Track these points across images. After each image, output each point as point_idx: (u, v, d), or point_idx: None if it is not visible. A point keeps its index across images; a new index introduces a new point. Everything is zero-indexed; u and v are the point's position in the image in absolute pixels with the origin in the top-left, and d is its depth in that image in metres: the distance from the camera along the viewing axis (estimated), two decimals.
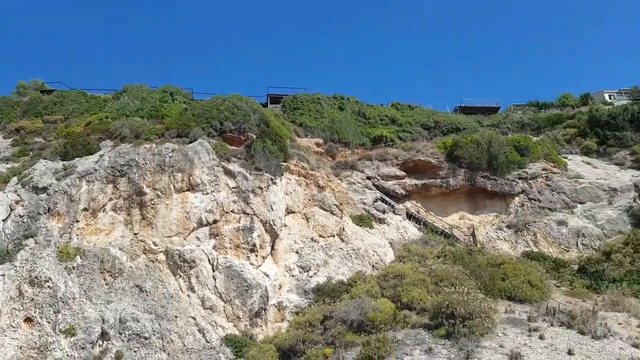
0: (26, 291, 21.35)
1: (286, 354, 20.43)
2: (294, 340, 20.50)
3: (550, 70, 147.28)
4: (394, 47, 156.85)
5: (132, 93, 37.97)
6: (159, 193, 26.36)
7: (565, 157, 42.35)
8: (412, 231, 34.08)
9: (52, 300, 21.14)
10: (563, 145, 45.25)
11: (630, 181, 37.36)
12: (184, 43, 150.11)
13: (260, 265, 25.50)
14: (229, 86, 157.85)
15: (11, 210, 25.08)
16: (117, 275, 23.40)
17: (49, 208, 25.28)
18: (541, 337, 18.06)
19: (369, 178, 38.29)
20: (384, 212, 34.91)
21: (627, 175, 38.79)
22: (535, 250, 33.18)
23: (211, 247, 25.20)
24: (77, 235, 24.83)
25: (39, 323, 20.56)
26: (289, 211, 29.35)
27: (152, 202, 26.06)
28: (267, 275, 25.02)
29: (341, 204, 31.94)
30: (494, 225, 36.74)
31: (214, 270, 24.38)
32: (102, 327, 20.93)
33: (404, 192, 38.22)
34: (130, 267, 23.90)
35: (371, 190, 37.15)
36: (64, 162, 28.53)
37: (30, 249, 23.14)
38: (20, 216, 24.88)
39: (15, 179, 27.16)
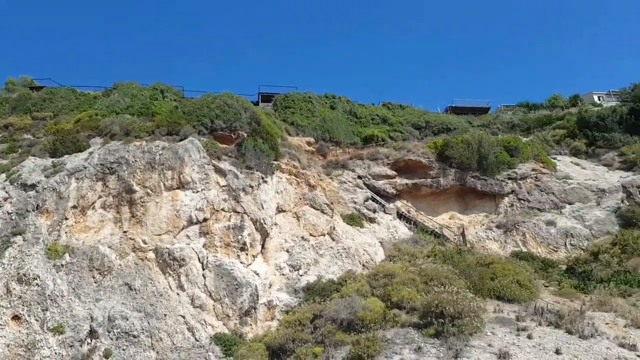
0: (14, 289, 21.18)
1: (276, 353, 20.43)
2: (283, 339, 20.51)
3: (540, 72, 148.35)
4: (385, 47, 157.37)
5: (122, 90, 37.70)
6: (149, 191, 26.23)
7: (555, 158, 42.65)
8: (403, 230, 34.18)
9: (41, 298, 20.99)
10: (552, 146, 45.58)
11: (619, 182, 37.69)
12: (175, 41, 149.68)
13: (250, 264, 25.46)
14: (220, 84, 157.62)
15: None
16: (106, 273, 23.27)
17: (37, 205, 25.08)
18: (529, 337, 18.21)
19: (359, 177, 38.34)
20: (374, 211, 34.97)
21: (615, 176, 39.13)
22: (524, 250, 33.42)
23: (201, 245, 25.12)
24: (66, 232, 24.67)
25: (27, 321, 20.41)
26: (279, 210, 29.33)
27: (142, 200, 25.94)
28: (257, 274, 24.98)
29: (332, 203, 31.96)
30: (483, 225, 36.94)
31: (203, 269, 24.31)
32: (90, 325, 20.82)
33: (394, 192, 38.32)
34: (120, 265, 23.78)
35: (362, 189, 37.22)
36: (53, 159, 28.31)
37: (19, 246, 22.96)
38: (9, 213, 24.67)
39: (3, 175, 26.95)
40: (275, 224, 28.33)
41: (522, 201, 37.68)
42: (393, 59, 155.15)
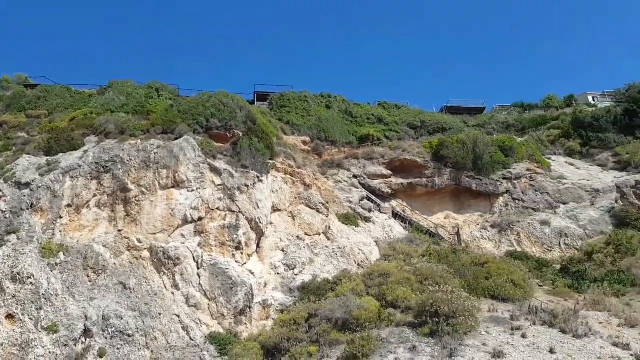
0: (8, 287, 21.07)
1: (271, 352, 20.44)
2: (278, 338, 20.52)
3: (535, 72, 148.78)
4: (381, 46, 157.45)
5: (117, 89, 37.56)
6: (144, 190, 26.18)
7: (549, 158, 42.80)
8: (398, 230, 34.22)
9: (35, 297, 20.88)
10: (547, 146, 45.76)
11: (613, 182, 37.86)
12: (171, 40, 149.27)
13: (245, 263, 25.44)
14: (215, 83, 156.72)
15: None
16: (100, 272, 23.20)
17: (32, 204, 24.98)
18: (523, 336, 18.28)
19: (355, 177, 38.36)
20: (370, 210, 35.00)
21: (610, 176, 39.30)
22: (519, 249, 33.51)
23: (196, 244, 25.08)
24: (60, 231, 24.58)
25: (21, 320, 20.31)
26: (275, 209, 29.31)
27: (137, 198, 25.88)
28: (253, 273, 24.97)
29: (327, 203, 31.97)
30: (478, 224, 37.02)
31: (198, 268, 24.27)
32: (85, 324, 20.73)
33: (390, 191, 38.35)
34: (114, 264, 23.71)
35: (357, 188, 37.23)
36: (48, 157, 28.20)
37: (13, 245, 22.85)
38: (3, 212, 24.56)
39: None
40: (271, 223, 28.31)
41: (516, 201, 37.79)
42: (389, 58, 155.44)
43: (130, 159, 27.15)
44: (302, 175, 32.48)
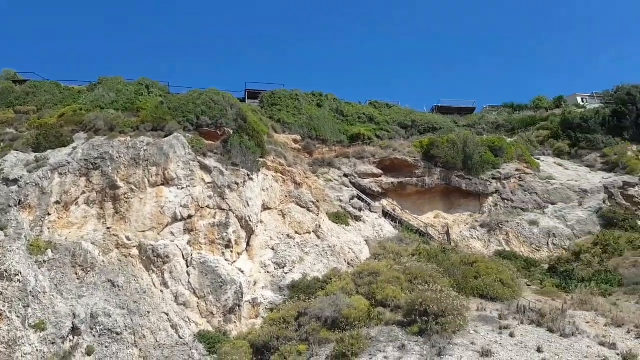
0: None
1: (260, 351, 20.42)
2: (268, 336, 20.50)
3: (525, 73, 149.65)
4: (373, 46, 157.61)
5: (107, 85, 37.27)
6: (133, 187, 26.03)
7: (538, 159, 43.12)
8: (388, 229, 34.30)
9: (22, 295, 20.66)
10: (536, 147, 46.09)
11: (600, 183, 38.20)
12: (162, 38, 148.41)
13: (235, 261, 25.39)
14: (206, 81, 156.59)
15: None
16: (89, 269, 23.02)
17: (19, 200, 24.74)
18: (511, 335, 18.37)
19: (346, 175, 38.42)
20: (360, 209, 35.04)
21: (598, 177, 39.65)
22: (508, 249, 33.74)
23: (185, 242, 24.98)
24: (48, 228, 24.36)
25: (8, 317, 20.09)
26: (265, 207, 29.27)
27: (126, 196, 25.72)
28: (242, 272, 24.93)
29: (318, 201, 31.97)
30: (467, 224, 37.20)
31: (188, 266, 24.18)
32: (73, 322, 20.56)
33: (380, 190, 38.43)
34: (103, 261, 23.55)
35: (348, 187, 37.27)
36: (36, 153, 27.91)
37: (0, 241, 22.61)
38: None
39: None
40: (261, 222, 28.27)
41: (505, 201, 38.03)
42: (380, 58, 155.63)
43: (120, 156, 26.98)
44: (293, 174, 32.46)
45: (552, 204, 37.28)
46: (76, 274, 22.78)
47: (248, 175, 28.57)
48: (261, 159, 30.85)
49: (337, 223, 31.74)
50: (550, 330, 18.88)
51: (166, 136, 28.73)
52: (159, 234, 25.06)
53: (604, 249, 29.42)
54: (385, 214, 36.43)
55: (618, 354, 16.99)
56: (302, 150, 40.04)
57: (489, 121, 51.82)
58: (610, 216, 34.40)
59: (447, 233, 35.80)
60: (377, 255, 28.61)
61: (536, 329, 19.12)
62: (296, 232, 28.69)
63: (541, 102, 58.06)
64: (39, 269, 22.01)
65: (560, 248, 33.35)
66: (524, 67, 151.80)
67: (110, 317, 21.15)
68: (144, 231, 24.93)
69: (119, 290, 22.60)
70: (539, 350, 17.12)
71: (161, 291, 23.34)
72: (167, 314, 22.32)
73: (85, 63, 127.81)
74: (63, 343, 20.00)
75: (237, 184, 27.68)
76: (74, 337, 20.39)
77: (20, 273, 21.15)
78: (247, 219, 26.81)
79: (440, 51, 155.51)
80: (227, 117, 31.36)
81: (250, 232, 27.04)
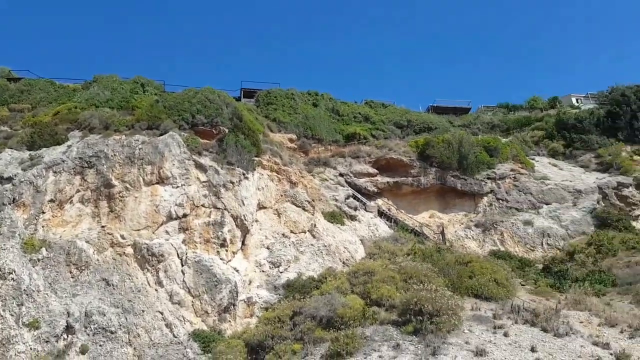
0: None
1: (255, 350, 20.38)
2: (262, 335, 20.47)
3: (520, 73, 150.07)
4: (369, 45, 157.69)
5: (102, 83, 37.15)
6: (128, 185, 25.96)
7: (533, 159, 43.26)
8: (383, 228, 34.34)
9: (16, 293, 20.57)
10: (531, 147, 46.25)
11: (595, 183, 38.37)
12: (158, 36, 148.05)
13: (230, 260, 25.35)
14: (202, 80, 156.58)
15: None
16: (83, 268, 22.96)
17: (14, 198, 24.63)
18: (505, 334, 18.44)
19: (341, 175, 38.41)
20: (355, 209, 35.06)
21: (592, 177, 39.82)
22: (502, 249, 33.84)
23: (180, 241, 24.94)
24: (42, 226, 24.28)
25: (2, 316, 19.98)
26: (260, 206, 29.25)
27: (121, 194, 25.66)
28: (237, 271, 24.90)
29: (313, 200, 31.97)
30: (462, 224, 37.29)
31: (182, 265, 24.14)
32: (67, 321, 20.50)
33: (375, 190, 38.46)
34: (97, 260, 23.49)
35: (343, 187, 37.28)
36: (31, 152, 27.81)
37: None
38: None
39: None
40: (256, 221, 28.25)
41: (500, 201, 38.13)
42: (376, 57, 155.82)
43: (115, 155, 26.91)
44: (288, 173, 32.44)
45: (547, 204, 37.41)
46: (70, 272, 22.71)
47: (243, 174, 28.54)
48: (256, 158, 30.83)
49: (332, 222, 31.75)
50: (544, 330, 18.96)
51: (161, 135, 28.68)
52: (153, 232, 25.00)
53: (597, 249, 29.56)
54: (381, 214, 36.46)
55: (611, 354, 17.07)
56: (297, 150, 40.01)
57: (484, 121, 51.99)
58: (604, 216, 34.56)
59: (442, 233, 35.88)
60: (372, 255, 28.64)
61: (530, 329, 19.20)
62: (291, 231, 28.68)
63: (536, 102, 58.29)
64: (33, 267, 21.94)
65: (555, 248, 33.48)
66: (521, 67, 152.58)
67: (105, 315, 21.10)
68: (138, 230, 24.87)
69: (114, 289, 22.54)
70: (532, 349, 17.19)
71: (156, 290, 23.29)
72: (161, 313, 22.27)
73: (80, 61, 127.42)
74: (57, 342, 19.94)
75: (232, 182, 27.65)
76: (68, 336, 20.33)
77: (14, 271, 21.05)
78: (243, 218, 26.78)
79: (436, 51, 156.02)
80: (223, 116, 31.33)
81: (245, 231, 27.02)
